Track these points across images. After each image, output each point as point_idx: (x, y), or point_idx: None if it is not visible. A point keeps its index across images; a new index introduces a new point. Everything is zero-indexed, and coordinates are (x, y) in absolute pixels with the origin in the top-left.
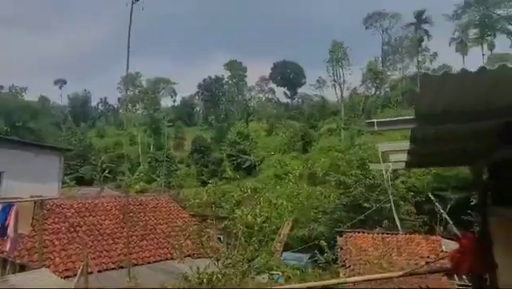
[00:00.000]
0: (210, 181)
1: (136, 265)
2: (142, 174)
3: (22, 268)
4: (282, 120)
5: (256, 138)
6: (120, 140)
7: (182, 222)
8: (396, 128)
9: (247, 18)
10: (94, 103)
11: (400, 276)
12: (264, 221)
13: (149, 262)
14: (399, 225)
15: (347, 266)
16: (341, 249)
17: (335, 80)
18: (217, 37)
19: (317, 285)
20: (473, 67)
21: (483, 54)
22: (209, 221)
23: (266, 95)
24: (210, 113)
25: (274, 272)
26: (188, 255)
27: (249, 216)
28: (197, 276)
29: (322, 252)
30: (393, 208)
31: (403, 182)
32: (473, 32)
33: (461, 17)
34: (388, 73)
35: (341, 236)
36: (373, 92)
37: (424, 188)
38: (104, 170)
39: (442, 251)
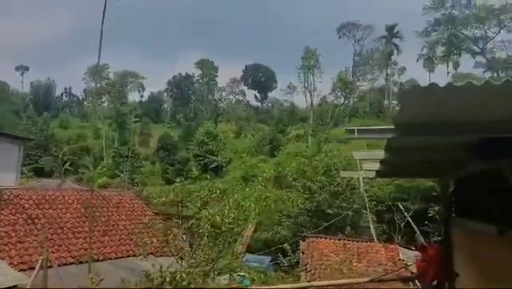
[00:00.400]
0: (177, 180)
1: (97, 261)
2: (105, 169)
3: None
4: (251, 123)
5: (224, 139)
6: (84, 133)
7: (147, 220)
8: (375, 137)
9: (222, 19)
10: (58, 93)
11: (367, 282)
12: (230, 223)
13: (110, 259)
14: (373, 233)
15: (309, 270)
16: (303, 253)
17: (305, 87)
18: (190, 35)
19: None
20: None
21: (448, 72)
22: (174, 220)
23: (237, 96)
24: (179, 111)
25: (240, 273)
26: (151, 253)
27: (217, 216)
28: (160, 274)
29: (285, 255)
30: (370, 217)
31: (366, 191)
32: (440, 50)
33: (431, 34)
34: (358, 83)
35: (304, 240)
36: (342, 102)
37: (386, 197)
38: (66, 162)
39: (400, 259)
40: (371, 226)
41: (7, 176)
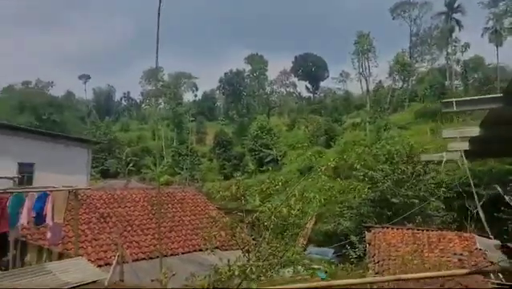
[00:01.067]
0: (235, 175)
1: (166, 256)
2: (166, 167)
3: (60, 256)
4: (303, 115)
5: (278, 132)
6: (143, 134)
7: (214, 214)
8: (477, 108)
9: (267, 13)
10: (117, 98)
11: (467, 274)
12: (296, 215)
13: (178, 254)
14: (486, 226)
15: (376, 261)
16: (369, 244)
17: (360, 73)
18: (238, 31)
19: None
20: (508, 59)
21: None
22: (236, 214)
23: (288, 89)
24: (231, 107)
25: (314, 266)
26: (217, 247)
27: (283, 208)
28: (228, 268)
29: (351, 247)
30: (479, 207)
31: (432, 178)
32: (509, 21)
33: (498, 5)
34: (416, 65)
35: (369, 231)
36: (400, 85)
37: (455, 183)
38: (129, 163)
39: (476, 249)
40: (482, 217)
41: (79, 177)
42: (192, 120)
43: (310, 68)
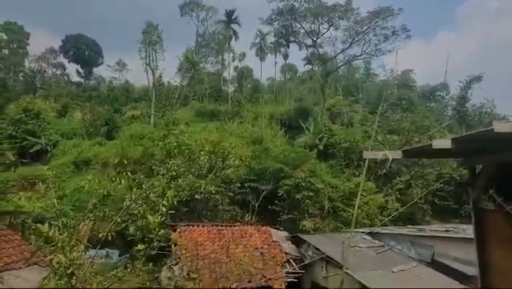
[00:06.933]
0: None
1: None
2: None
3: None
4: (78, 101)
5: (46, 118)
6: None
7: None
8: None
9: None
10: None
11: None
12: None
13: None
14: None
15: (184, 262)
16: (175, 245)
17: (147, 64)
18: None
19: None
20: (268, 74)
21: (276, 63)
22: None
23: (54, 70)
24: None
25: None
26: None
27: (149, 217)
28: None
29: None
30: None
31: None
32: (271, 40)
33: (273, 23)
34: (201, 65)
35: (174, 230)
36: (188, 82)
37: (240, 178)
38: None
39: (273, 241)
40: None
41: None
42: None
43: (83, 51)
